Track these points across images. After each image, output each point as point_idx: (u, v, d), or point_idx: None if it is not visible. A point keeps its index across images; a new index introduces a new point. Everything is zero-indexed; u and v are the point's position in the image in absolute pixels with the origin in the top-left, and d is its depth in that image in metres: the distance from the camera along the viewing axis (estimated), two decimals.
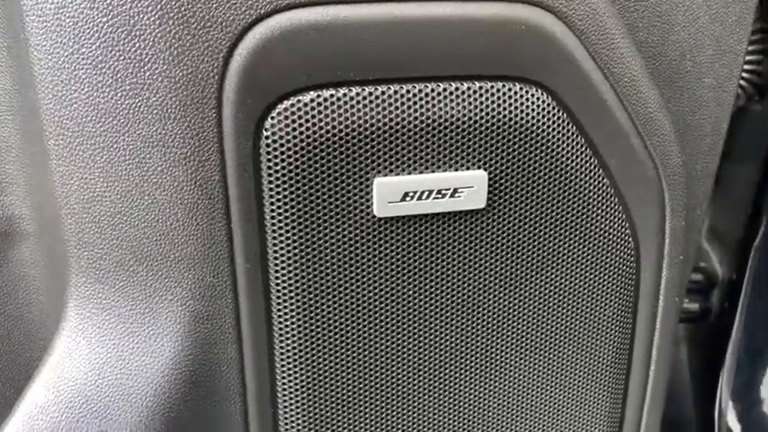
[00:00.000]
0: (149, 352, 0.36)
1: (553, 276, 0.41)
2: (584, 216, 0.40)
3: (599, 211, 0.40)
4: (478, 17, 0.34)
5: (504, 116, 0.37)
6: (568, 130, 0.38)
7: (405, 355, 0.41)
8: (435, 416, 0.44)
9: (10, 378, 0.44)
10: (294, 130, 0.34)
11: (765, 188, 0.66)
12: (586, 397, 0.47)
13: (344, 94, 0.34)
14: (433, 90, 0.35)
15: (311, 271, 0.37)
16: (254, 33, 0.32)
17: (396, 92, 0.35)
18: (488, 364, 0.43)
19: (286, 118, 0.34)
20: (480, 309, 0.41)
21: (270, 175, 0.35)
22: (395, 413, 0.42)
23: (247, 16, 0.32)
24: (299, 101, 0.34)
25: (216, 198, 0.34)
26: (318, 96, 0.34)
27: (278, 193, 0.35)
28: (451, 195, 0.37)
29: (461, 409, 0.44)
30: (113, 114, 0.32)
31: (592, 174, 0.39)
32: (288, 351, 0.39)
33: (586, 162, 0.39)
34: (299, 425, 0.40)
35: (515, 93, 0.36)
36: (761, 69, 0.64)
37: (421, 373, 0.42)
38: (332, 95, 0.34)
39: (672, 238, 0.43)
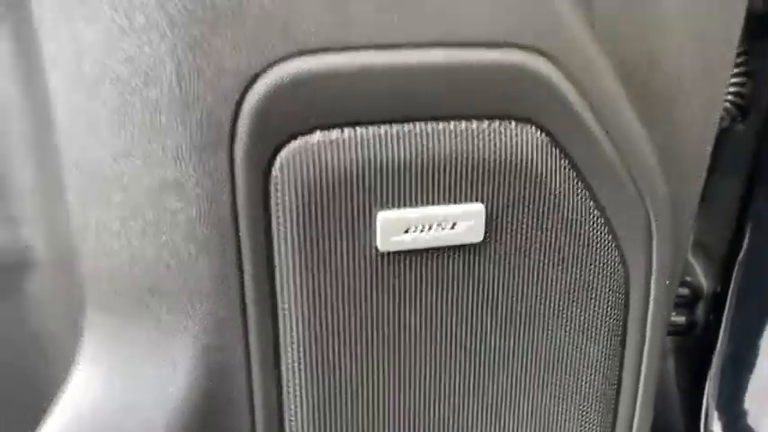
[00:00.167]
0: (163, 382, 0.37)
1: (547, 303, 0.43)
2: (577, 245, 0.42)
3: (590, 240, 0.42)
4: (478, 63, 0.36)
5: (502, 153, 0.38)
6: (561, 166, 0.40)
7: (406, 383, 0.43)
8: None
9: (21, 405, 0.45)
10: (302, 168, 0.36)
11: (748, 204, 0.68)
12: (578, 413, 0.49)
13: (350, 135, 0.36)
14: (433, 129, 0.37)
15: (317, 303, 0.39)
16: (264, 80, 0.34)
17: (398, 131, 0.37)
18: (484, 386, 0.45)
19: (294, 157, 0.36)
20: (478, 336, 0.43)
21: (278, 211, 0.37)
22: None
23: (258, 64, 0.33)
24: (306, 141, 0.36)
25: (227, 235, 0.36)
26: (324, 137, 0.36)
27: (286, 228, 0.37)
28: (451, 228, 0.39)
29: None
30: (130, 157, 0.34)
31: (583, 205, 0.41)
32: (295, 381, 0.40)
33: (578, 195, 0.41)
34: None
35: (512, 131, 0.38)
36: (744, 91, 0.67)
37: (421, 399, 0.44)
38: (338, 136, 0.36)
39: (659, 263, 0.45)
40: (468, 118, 0.38)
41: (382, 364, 0.42)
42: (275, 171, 0.36)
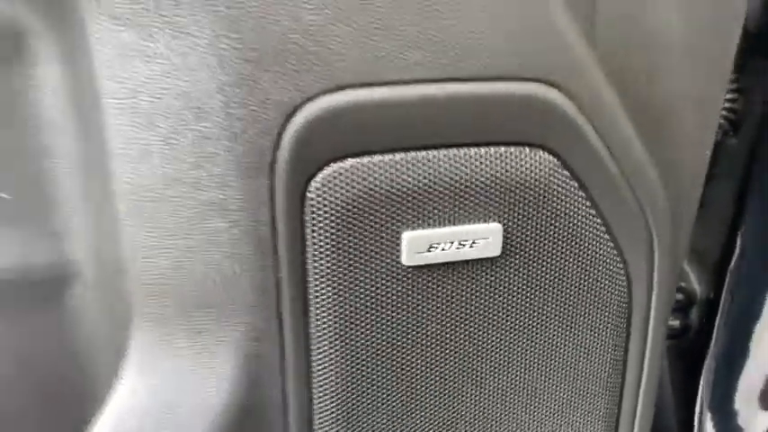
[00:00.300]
0: (206, 390, 0.40)
1: (558, 311, 0.47)
2: (584, 257, 0.45)
3: (596, 254, 0.46)
4: (496, 94, 0.39)
5: (517, 175, 0.42)
6: (570, 186, 0.43)
7: (431, 387, 0.46)
8: None
9: (61, 416, 0.48)
10: (335, 192, 0.39)
11: (740, 215, 0.72)
12: (584, 418, 0.52)
13: (378, 160, 0.39)
14: (454, 155, 0.41)
15: (346, 315, 0.42)
16: (303, 112, 0.37)
17: (422, 157, 0.40)
18: (498, 392, 0.49)
19: (328, 182, 0.39)
20: (494, 340, 0.46)
21: (313, 230, 0.40)
22: None
23: (297, 98, 0.37)
24: (339, 167, 0.39)
25: (267, 253, 0.39)
26: (356, 163, 0.39)
27: (319, 245, 0.40)
28: (471, 245, 0.42)
29: None
30: (180, 182, 0.37)
31: (590, 222, 0.45)
32: (324, 388, 0.44)
33: (585, 212, 0.44)
34: None
35: (526, 156, 0.42)
36: (736, 107, 0.70)
37: (445, 403, 0.47)
38: (367, 161, 0.39)
39: (659, 273, 0.49)
40: (485, 144, 0.41)
41: (407, 370, 0.45)
42: (311, 194, 0.39)
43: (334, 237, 0.40)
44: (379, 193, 0.40)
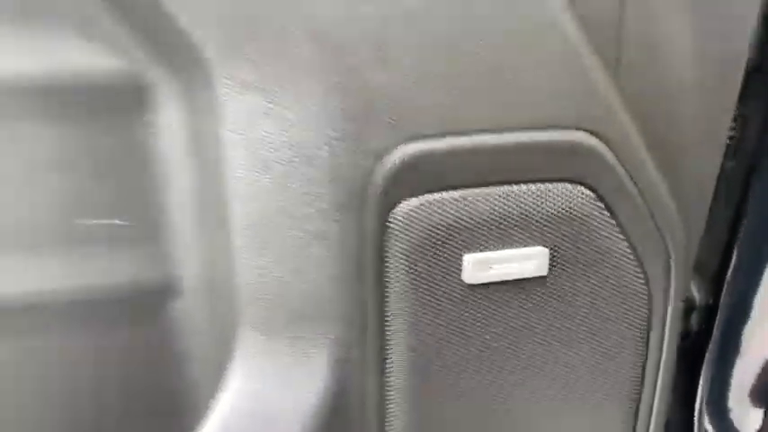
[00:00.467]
0: (303, 388, 0.48)
1: (592, 322, 0.55)
2: (614, 276, 0.54)
3: (624, 272, 0.54)
4: (545, 141, 0.48)
5: (560, 206, 0.50)
6: (604, 215, 0.51)
7: (482, 388, 0.54)
8: None
9: (166, 413, 0.55)
10: (410, 222, 0.47)
11: (737, 231, 0.80)
12: (606, 422, 0.61)
13: (448, 196, 0.47)
14: (510, 190, 0.49)
15: (417, 324, 0.50)
16: (391, 157, 0.45)
17: (484, 192, 0.48)
18: (527, 397, 0.57)
19: (406, 214, 0.47)
20: (540, 348, 0.54)
21: (393, 254, 0.48)
22: None
23: (388, 146, 0.45)
24: (415, 201, 0.47)
25: (357, 273, 0.47)
26: (428, 198, 0.47)
27: (397, 266, 0.48)
28: (522, 266, 0.50)
29: None
30: (290, 217, 0.45)
31: (619, 245, 0.53)
32: (398, 389, 0.52)
33: (616, 237, 0.53)
34: None
35: (568, 190, 0.50)
36: (734, 134, 0.78)
37: (502, 405, 0.55)
38: (439, 197, 0.47)
39: (675, 289, 0.57)
40: (533, 181, 0.49)
41: (466, 372, 0.53)
42: (391, 223, 0.47)
43: (408, 258, 0.48)
44: (447, 222, 0.48)
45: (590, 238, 0.52)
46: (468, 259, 0.49)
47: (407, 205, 0.47)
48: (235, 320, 0.48)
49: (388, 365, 0.51)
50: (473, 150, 0.47)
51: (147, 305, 0.53)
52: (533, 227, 0.50)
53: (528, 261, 0.51)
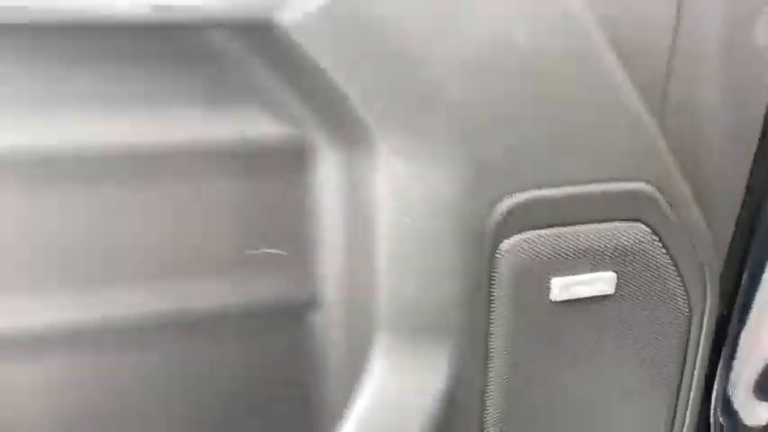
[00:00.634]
0: (428, 388, 0.62)
1: (646, 333, 0.69)
2: (665, 295, 0.68)
3: (672, 291, 0.68)
4: (615, 190, 0.62)
5: (624, 240, 0.64)
6: (658, 246, 0.66)
7: (562, 394, 0.68)
8: None
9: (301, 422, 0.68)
10: (512, 255, 0.61)
11: (748, 250, 0.93)
12: (649, 413, 0.74)
13: (543, 233, 0.61)
14: (587, 228, 0.63)
15: (515, 333, 0.64)
16: (501, 205, 0.59)
17: (570, 230, 0.62)
18: (597, 391, 0.71)
19: (508, 249, 0.61)
20: (605, 356, 0.68)
21: (500, 278, 0.62)
22: None
23: (501, 196, 0.59)
24: (517, 238, 0.61)
25: (480, 293, 0.61)
26: (526, 236, 0.61)
27: (501, 288, 0.62)
28: (594, 287, 0.64)
29: None
30: (422, 249, 0.59)
31: (670, 272, 0.67)
32: (497, 384, 0.65)
33: (667, 265, 0.67)
34: None
35: (630, 228, 0.64)
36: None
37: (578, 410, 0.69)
38: (536, 234, 0.61)
39: (709, 306, 0.71)
40: (601, 221, 0.64)
41: (551, 370, 0.67)
42: (498, 255, 0.61)
43: (510, 282, 0.62)
44: (540, 253, 0.62)
45: (646, 264, 0.66)
46: (555, 282, 0.63)
47: (511, 241, 0.61)
48: (371, 329, 0.62)
49: (490, 363, 0.65)
50: (561, 199, 0.61)
51: (287, 317, 0.66)
52: (605, 256, 0.64)
53: (599, 283, 0.64)
